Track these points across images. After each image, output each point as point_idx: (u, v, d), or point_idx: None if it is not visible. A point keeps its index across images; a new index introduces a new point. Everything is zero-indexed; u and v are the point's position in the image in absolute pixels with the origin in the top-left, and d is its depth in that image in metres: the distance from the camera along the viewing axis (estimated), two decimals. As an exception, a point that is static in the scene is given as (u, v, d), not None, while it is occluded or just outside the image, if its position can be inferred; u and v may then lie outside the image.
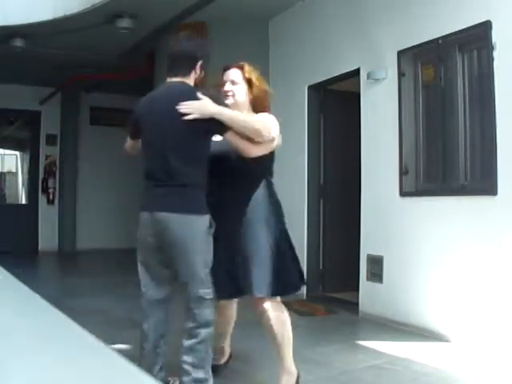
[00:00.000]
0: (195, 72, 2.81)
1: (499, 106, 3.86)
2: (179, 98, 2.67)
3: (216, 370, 3.12)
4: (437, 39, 4.37)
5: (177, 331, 2.85)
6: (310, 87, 6.04)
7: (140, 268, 2.98)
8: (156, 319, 2.87)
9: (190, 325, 2.71)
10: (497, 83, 3.89)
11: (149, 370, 2.74)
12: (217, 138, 2.84)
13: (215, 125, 2.68)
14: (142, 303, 2.95)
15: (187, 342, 2.70)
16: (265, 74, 6.72)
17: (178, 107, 2.64)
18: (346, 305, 5.38)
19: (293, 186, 6.03)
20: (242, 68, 3.00)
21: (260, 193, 2.88)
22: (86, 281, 7.22)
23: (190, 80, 2.80)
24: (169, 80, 2.84)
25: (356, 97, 5.30)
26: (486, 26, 3.92)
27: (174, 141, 2.69)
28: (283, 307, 2.95)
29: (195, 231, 2.67)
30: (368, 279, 5.01)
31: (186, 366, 2.67)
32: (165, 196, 2.70)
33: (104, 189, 10.64)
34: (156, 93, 2.92)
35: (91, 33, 6.92)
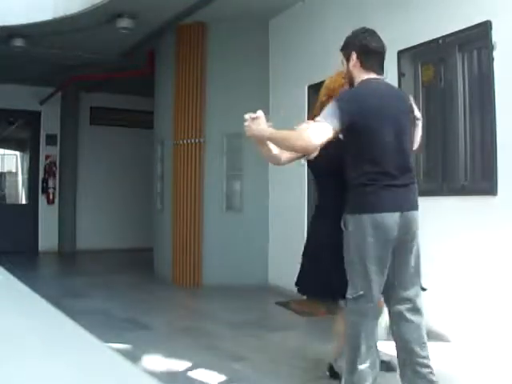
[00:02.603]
0: None
1: (499, 105, 3.86)
2: (405, 96, 2.91)
3: None
4: (437, 39, 4.37)
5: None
6: (310, 87, 6.03)
7: (373, 276, 2.67)
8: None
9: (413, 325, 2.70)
10: (497, 83, 3.88)
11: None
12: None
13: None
14: (370, 312, 2.72)
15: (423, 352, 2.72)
16: (265, 73, 6.79)
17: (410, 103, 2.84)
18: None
19: (293, 185, 6.03)
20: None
21: None
22: (85, 281, 7.22)
23: None
24: (377, 76, 2.79)
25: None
26: (486, 26, 3.92)
27: (408, 138, 2.79)
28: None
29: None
30: (368, 279, 5.00)
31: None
32: (412, 194, 2.73)
33: (104, 189, 10.65)
34: (379, 90, 2.78)
35: (91, 33, 6.92)
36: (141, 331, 4.53)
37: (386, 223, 2.60)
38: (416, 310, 2.72)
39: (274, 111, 6.63)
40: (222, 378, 3.32)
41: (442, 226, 4.29)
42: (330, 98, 2.97)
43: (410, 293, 2.71)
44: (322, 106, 2.93)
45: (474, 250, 4.01)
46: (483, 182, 4.08)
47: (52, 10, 6.36)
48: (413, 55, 4.73)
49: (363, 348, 2.67)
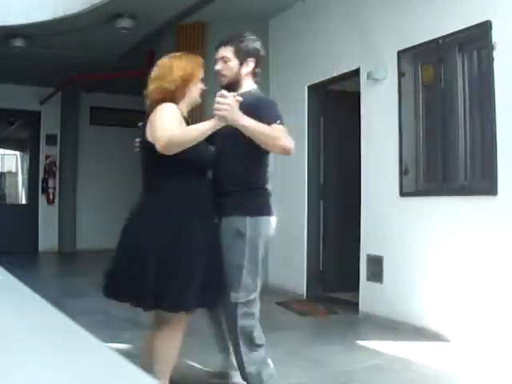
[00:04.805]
0: None
1: (499, 106, 3.86)
2: None
3: None
4: (437, 39, 4.38)
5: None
6: (309, 87, 6.04)
7: (260, 269, 2.85)
8: None
9: None
10: (497, 83, 3.89)
11: None
12: None
13: None
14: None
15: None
16: (265, 73, 6.75)
17: None
18: (346, 305, 5.38)
19: (293, 186, 6.04)
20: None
21: None
22: (85, 281, 7.20)
23: None
24: None
25: (356, 97, 5.30)
26: (486, 26, 3.92)
27: None
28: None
29: None
30: (368, 279, 5.01)
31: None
32: None
33: (104, 188, 10.64)
34: None
35: (91, 33, 6.92)
36: (140, 331, 4.53)
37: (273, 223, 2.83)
38: None
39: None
40: (222, 377, 3.31)
41: (442, 226, 4.29)
42: (186, 81, 2.70)
43: None
44: (179, 86, 2.70)
45: (473, 250, 4.01)
46: (483, 182, 4.08)
47: (52, 10, 6.36)
48: (413, 55, 4.73)
49: None
